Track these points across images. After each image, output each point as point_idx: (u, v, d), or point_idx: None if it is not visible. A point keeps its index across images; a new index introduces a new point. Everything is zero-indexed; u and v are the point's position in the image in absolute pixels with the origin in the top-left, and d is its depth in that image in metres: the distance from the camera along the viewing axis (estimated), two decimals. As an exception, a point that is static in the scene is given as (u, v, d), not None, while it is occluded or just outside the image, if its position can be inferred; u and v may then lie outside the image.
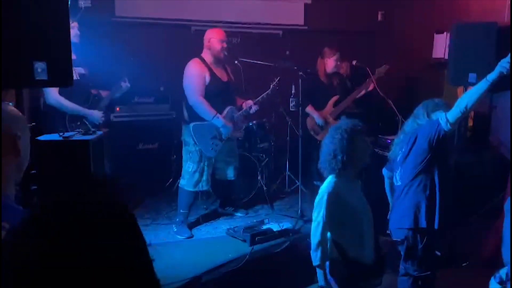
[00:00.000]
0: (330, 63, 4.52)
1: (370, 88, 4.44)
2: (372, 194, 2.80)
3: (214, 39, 3.95)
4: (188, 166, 4.01)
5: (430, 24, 5.28)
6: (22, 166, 1.33)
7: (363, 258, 2.45)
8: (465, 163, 3.95)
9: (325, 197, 2.39)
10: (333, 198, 2.39)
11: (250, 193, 4.67)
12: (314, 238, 2.41)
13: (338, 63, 4.53)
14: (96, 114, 3.77)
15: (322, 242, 2.39)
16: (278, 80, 4.12)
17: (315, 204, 2.46)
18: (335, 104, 4.59)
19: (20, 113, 1.36)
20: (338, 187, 2.43)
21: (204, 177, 4.03)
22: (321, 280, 2.43)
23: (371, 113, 4.87)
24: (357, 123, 2.46)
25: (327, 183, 2.46)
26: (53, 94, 3.57)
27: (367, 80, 4.46)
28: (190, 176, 4.00)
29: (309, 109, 4.57)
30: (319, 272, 2.43)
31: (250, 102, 4.12)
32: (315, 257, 2.40)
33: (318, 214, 2.40)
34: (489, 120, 4.45)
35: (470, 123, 4.62)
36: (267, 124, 5.05)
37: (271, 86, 4.10)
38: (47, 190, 2.47)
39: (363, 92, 4.51)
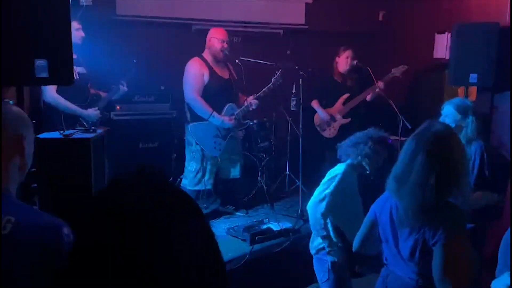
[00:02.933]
0: (341, 61, 4.56)
1: (382, 87, 4.43)
2: (372, 193, 2.82)
3: (214, 39, 3.96)
4: (192, 166, 4.01)
5: (431, 24, 5.26)
6: (26, 166, 1.34)
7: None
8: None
9: (338, 177, 2.59)
10: (344, 182, 2.58)
11: (251, 193, 4.67)
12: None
13: (350, 61, 4.54)
14: (92, 113, 3.70)
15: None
16: (279, 73, 4.10)
17: (323, 182, 2.67)
18: (345, 102, 4.61)
19: (25, 113, 1.37)
20: (349, 173, 2.63)
21: (207, 177, 4.03)
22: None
23: (373, 112, 4.86)
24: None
25: (342, 169, 2.64)
26: (50, 92, 3.55)
27: (383, 78, 4.47)
28: (193, 176, 4.00)
29: (314, 104, 4.60)
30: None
31: (251, 98, 4.11)
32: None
33: (325, 190, 2.60)
34: (490, 120, 4.44)
35: (471, 124, 4.60)
36: (268, 123, 5.05)
37: (273, 80, 4.09)
38: (47, 189, 2.46)
39: (373, 92, 4.51)
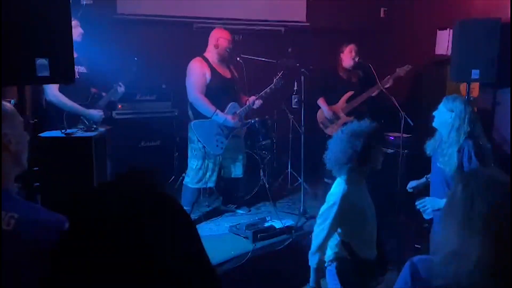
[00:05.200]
0: (346, 56, 4.54)
1: (387, 86, 4.40)
2: (376, 191, 2.78)
3: (222, 39, 4.05)
4: (193, 164, 4.03)
5: (433, 21, 5.25)
6: (19, 159, 1.32)
7: (370, 256, 2.45)
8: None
9: (335, 207, 2.30)
10: (344, 204, 2.31)
11: (253, 191, 4.66)
12: (316, 241, 2.34)
13: (354, 55, 4.52)
14: (95, 113, 3.69)
15: (322, 247, 2.34)
16: (281, 74, 4.13)
17: (322, 209, 2.36)
18: (348, 100, 4.59)
19: (7, 107, 1.32)
20: (349, 192, 2.34)
21: (208, 174, 4.05)
22: (312, 281, 2.40)
23: (375, 109, 4.85)
24: (378, 128, 2.37)
25: (338, 191, 2.36)
26: (52, 90, 3.56)
27: (387, 77, 4.44)
28: (195, 173, 4.02)
29: (320, 101, 4.59)
30: (312, 273, 2.40)
31: (253, 98, 4.13)
32: (313, 260, 2.34)
33: (325, 221, 2.31)
34: (493, 116, 4.43)
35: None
36: (269, 121, 5.04)
37: (275, 80, 4.11)
38: (49, 187, 2.46)
39: (376, 91, 4.48)
